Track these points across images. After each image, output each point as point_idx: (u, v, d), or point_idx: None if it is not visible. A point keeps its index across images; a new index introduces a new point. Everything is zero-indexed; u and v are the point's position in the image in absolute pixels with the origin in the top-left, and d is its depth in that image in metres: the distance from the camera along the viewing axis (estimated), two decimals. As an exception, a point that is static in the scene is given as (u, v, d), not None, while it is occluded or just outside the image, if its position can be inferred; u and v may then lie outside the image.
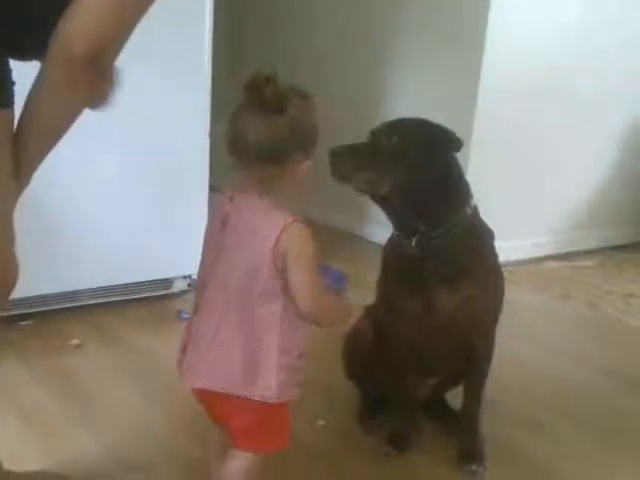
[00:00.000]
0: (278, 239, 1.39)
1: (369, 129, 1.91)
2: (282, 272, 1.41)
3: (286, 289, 1.42)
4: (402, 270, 1.93)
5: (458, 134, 1.87)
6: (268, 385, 1.43)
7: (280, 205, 1.44)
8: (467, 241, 1.89)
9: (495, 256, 1.99)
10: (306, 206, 1.60)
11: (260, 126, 1.38)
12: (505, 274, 2.00)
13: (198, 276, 1.55)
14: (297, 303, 1.42)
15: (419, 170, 1.82)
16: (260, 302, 1.42)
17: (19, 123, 1.41)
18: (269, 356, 1.43)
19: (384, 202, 1.89)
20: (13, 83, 1.42)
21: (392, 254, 1.99)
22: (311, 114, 1.44)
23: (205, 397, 1.52)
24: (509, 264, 3.40)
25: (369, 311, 2.17)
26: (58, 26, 1.27)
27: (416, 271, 1.89)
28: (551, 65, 3.58)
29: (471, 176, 1.95)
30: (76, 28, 1.27)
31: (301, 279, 1.41)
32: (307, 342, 1.49)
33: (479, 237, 1.94)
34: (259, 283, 1.41)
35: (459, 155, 1.91)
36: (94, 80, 1.36)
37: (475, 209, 1.92)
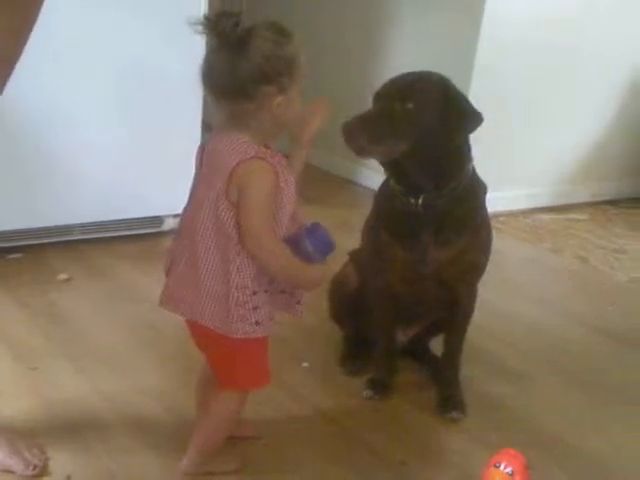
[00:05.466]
0: (232, 172, 1.40)
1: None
2: (236, 207, 1.41)
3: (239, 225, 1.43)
4: (396, 222, 1.92)
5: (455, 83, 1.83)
6: (220, 316, 1.46)
7: (253, 141, 1.42)
8: (466, 198, 1.88)
9: (486, 211, 1.99)
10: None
11: (222, 60, 1.39)
12: (497, 224, 1.99)
13: None
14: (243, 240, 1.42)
15: (435, 140, 1.78)
16: (217, 234, 1.44)
17: None
18: (223, 288, 1.45)
19: (394, 166, 1.87)
20: None
21: (387, 206, 1.96)
22: (284, 47, 1.40)
23: (186, 322, 1.56)
24: (501, 214, 3.38)
25: (354, 255, 2.17)
26: None
27: (411, 225, 1.88)
28: (552, 19, 3.50)
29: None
30: None
31: (246, 215, 1.41)
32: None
33: (476, 193, 1.94)
34: (215, 215, 1.43)
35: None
36: None
37: (472, 165, 1.91)
